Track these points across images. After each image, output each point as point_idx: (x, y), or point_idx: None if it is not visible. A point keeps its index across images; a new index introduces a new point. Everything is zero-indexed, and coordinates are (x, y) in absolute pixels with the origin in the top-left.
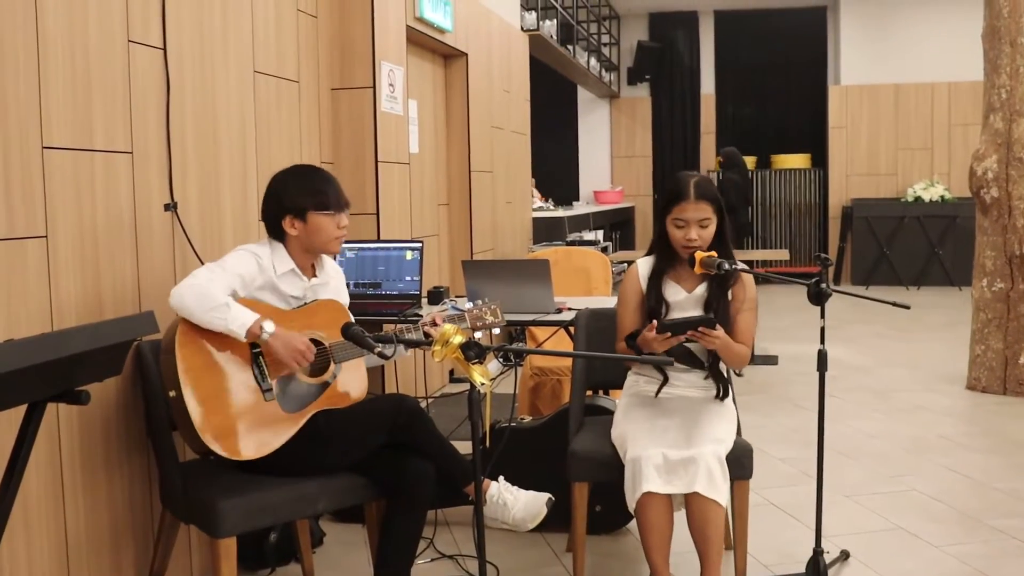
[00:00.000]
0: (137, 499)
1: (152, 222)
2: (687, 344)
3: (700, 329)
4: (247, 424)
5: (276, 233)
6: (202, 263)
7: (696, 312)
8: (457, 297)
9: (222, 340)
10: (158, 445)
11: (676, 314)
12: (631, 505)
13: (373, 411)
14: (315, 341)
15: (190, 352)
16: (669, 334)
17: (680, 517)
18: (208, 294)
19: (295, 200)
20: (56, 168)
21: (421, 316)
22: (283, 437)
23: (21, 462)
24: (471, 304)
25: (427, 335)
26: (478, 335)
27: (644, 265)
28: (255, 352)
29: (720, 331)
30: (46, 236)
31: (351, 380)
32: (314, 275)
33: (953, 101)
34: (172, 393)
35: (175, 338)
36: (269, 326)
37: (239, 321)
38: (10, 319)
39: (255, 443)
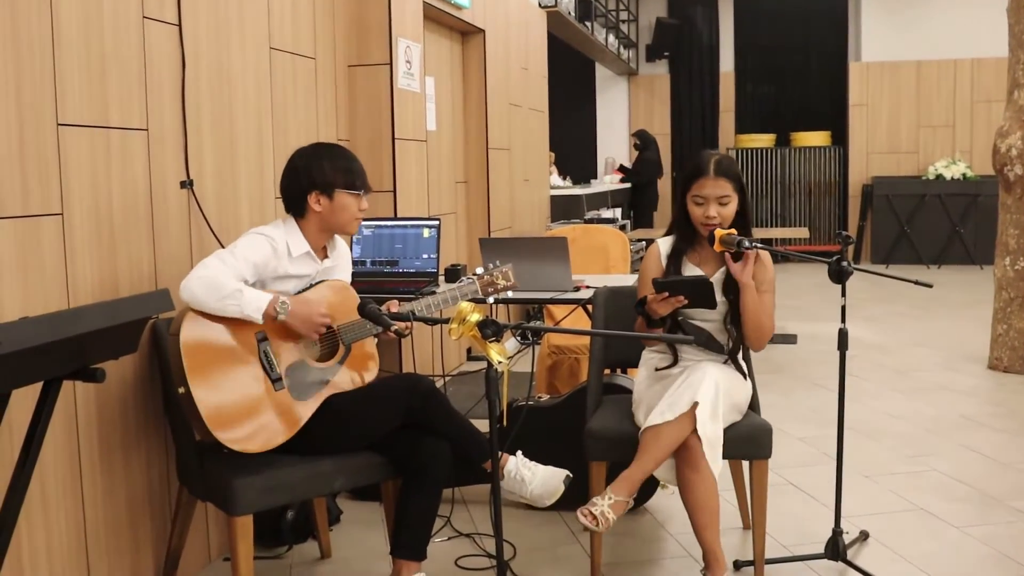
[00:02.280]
0: (154, 476)
1: (168, 200)
2: (704, 326)
3: (739, 261)
4: (259, 417)
5: (296, 209)
6: (219, 240)
7: (716, 294)
8: (474, 274)
9: (227, 334)
10: (175, 423)
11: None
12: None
13: (387, 394)
14: None
15: (196, 348)
16: (667, 294)
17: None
18: (217, 283)
19: (325, 176)
20: (71, 145)
21: (436, 293)
22: (296, 425)
23: (37, 439)
24: (481, 270)
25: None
26: (491, 299)
27: (664, 244)
28: (261, 344)
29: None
30: (61, 214)
31: (362, 361)
32: (326, 256)
33: (976, 77)
34: (181, 390)
35: (180, 332)
36: (284, 307)
37: (254, 305)
38: (26, 297)
39: (268, 436)
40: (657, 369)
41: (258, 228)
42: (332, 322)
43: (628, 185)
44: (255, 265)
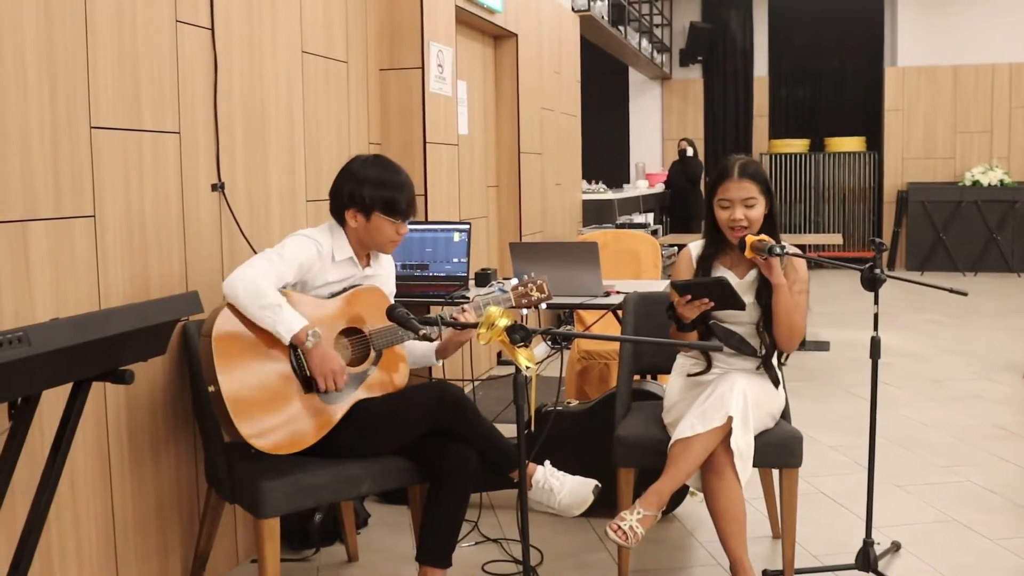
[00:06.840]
0: (183, 478)
1: (200, 203)
2: (737, 330)
3: (766, 259)
4: (286, 419)
5: (338, 217)
6: (249, 244)
7: (748, 297)
8: (504, 279)
9: (260, 334)
10: (204, 425)
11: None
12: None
13: (416, 402)
14: (354, 329)
15: (227, 347)
16: (690, 296)
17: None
18: (260, 291)
19: (366, 195)
20: (104, 148)
21: (468, 298)
22: (323, 429)
23: (66, 440)
24: (515, 280)
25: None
26: (524, 312)
27: (696, 249)
28: (294, 345)
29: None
30: (94, 216)
31: (392, 367)
32: (368, 264)
33: (1014, 82)
34: (211, 388)
35: (213, 330)
36: (314, 337)
37: (287, 325)
38: (58, 299)
39: (294, 438)
40: (690, 375)
41: (305, 231)
42: (363, 326)
43: (660, 190)
44: (300, 266)
